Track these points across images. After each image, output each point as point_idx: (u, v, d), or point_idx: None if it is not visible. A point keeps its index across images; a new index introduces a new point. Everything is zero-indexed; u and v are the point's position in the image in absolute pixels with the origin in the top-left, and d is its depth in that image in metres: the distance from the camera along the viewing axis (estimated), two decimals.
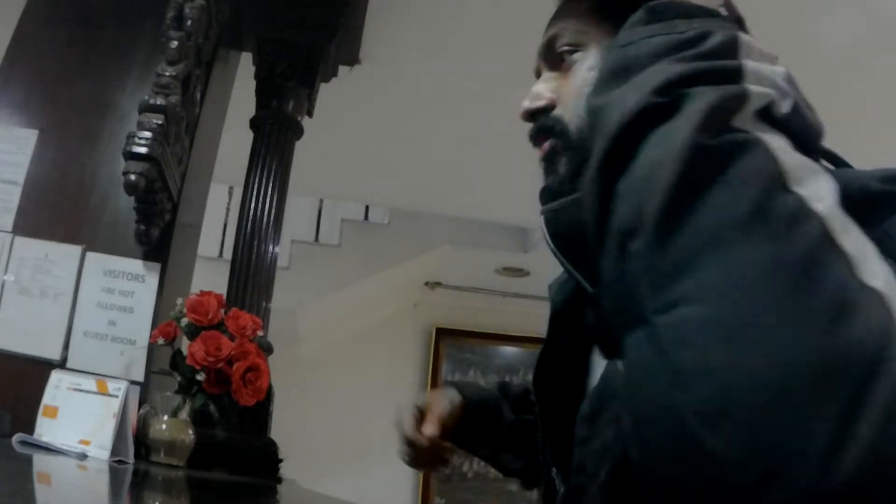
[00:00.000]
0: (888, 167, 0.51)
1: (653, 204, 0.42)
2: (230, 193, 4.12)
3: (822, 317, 0.37)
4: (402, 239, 4.13)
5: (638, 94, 0.46)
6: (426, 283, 4.62)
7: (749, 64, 0.47)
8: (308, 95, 2.16)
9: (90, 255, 1.64)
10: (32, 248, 1.62)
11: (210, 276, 2.15)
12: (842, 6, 2.10)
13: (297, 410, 3.27)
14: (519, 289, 4.55)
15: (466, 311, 4.72)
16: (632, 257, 0.44)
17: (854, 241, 0.40)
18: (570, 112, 0.65)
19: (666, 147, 0.43)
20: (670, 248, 0.41)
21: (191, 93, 1.68)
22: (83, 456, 1.28)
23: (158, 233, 1.65)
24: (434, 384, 4.52)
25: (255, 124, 2.08)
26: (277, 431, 1.79)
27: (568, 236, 0.64)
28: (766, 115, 0.46)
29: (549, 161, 0.67)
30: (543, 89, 0.68)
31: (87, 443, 1.31)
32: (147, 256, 1.65)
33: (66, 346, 1.59)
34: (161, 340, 1.50)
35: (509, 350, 4.74)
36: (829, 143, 0.53)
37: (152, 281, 1.64)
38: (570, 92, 0.66)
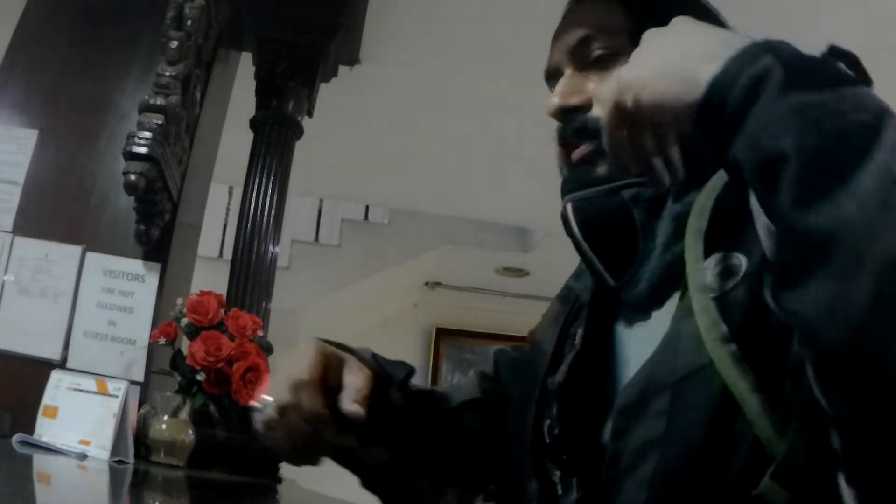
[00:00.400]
0: None
1: None
2: (230, 193, 4.11)
3: None
4: (402, 239, 4.13)
5: None
6: (426, 283, 4.62)
7: None
8: (308, 95, 2.17)
9: (90, 255, 1.64)
10: (32, 248, 1.62)
11: (210, 276, 2.15)
12: (842, 6, 2.09)
13: None
14: (519, 289, 4.55)
15: (466, 311, 4.72)
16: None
17: None
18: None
19: None
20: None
21: (191, 93, 1.68)
22: (83, 456, 1.28)
23: (158, 233, 1.65)
24: (434, 384, 4.52)
25: (255, 124, 2.08)
26: None
27: (596, 224, 0.65)
28: None
29: (585, 163, 0.67)
30: (575, 87, 0.68)
31: (87, 443, 1.31)
32: (147, 256, 1.65)
33: (66, 346, 1.59)
34: (161, 340, 1.50)
35: None
36: None
37: (152, 281, 1.64)
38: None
